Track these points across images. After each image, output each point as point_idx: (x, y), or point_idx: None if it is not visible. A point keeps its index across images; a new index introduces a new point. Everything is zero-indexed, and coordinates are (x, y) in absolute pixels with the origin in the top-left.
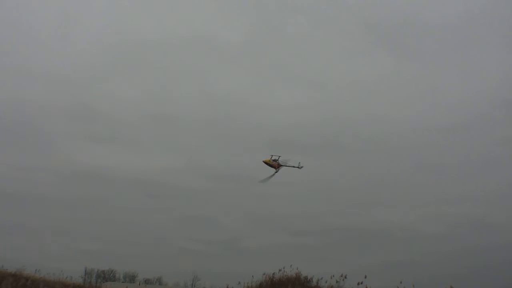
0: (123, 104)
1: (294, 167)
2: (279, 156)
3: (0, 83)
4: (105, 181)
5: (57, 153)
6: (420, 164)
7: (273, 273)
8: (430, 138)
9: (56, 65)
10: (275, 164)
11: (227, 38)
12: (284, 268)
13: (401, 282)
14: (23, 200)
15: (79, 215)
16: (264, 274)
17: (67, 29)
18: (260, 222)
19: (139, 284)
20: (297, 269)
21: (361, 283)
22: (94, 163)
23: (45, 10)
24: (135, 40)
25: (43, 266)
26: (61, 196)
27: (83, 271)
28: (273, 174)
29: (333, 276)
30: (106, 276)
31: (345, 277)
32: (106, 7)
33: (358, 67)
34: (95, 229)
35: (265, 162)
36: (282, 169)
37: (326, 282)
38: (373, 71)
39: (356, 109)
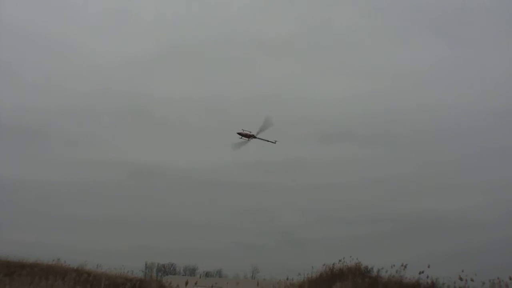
0: (178, 101)
1: (268, 141)
2: (250, 131)
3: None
4: (162, 177)
5: (117, 149)
6: (476, 150)
7: (333, 264)
8: (484, 123)
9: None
10: (249, 134)
11: (277, 32)
12: (344, 258)
13: (463, 271)
14: (86, 196)
15: (140, 211)
16: (324, 264)
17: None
18: (317, 214)
19: (200, 277)
20: (357, 259)
21: (423, 272)
22: (153, 159)
23: None
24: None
25: (105, 262)
26: (121, 192)
27: (143, 265)
28: (246, 142)
29: (394, 265)
30: (167, 270)
31: (406, 267)
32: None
33: (409, 56)
34: (155, 224)
35: (239, 134)
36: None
37: (386, 271)
38: (424, 59)
39: (407, 98)
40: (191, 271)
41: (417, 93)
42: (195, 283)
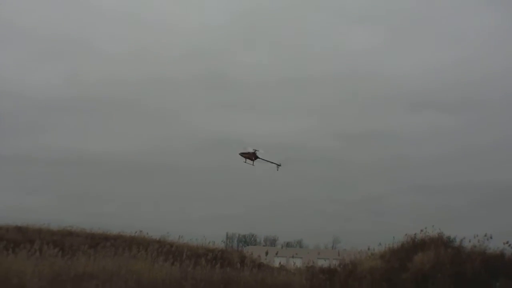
0: (253, 70)
1: (271, 163)
2: (255, 150)
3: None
4: (239, 146)
5: (191, 121)
6: None
7: (415, 234)
8: None
9: (189, 34)
10: (251, 154)
11: None
12: (426, 228)
13: None
14: (163, 170)
15: (219, 182)
16: (405, 234)
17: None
18: (399, 182)
19: (281, 247)
20: (439, 229)
21: (507, 243)
22: (227, 129)
23: None
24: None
25: (186, 233)
26: (199, 164)
27: (224, 236)
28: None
29: (477, 235)
30: (247, 240)
31: (490, 237)
32: None
33: (496, 17)
34: (235, 194)
35: (242, 154)
36: None
37: (469, 242)
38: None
39: (496, 62)
40: (272, 242)
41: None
42: (276, 253)
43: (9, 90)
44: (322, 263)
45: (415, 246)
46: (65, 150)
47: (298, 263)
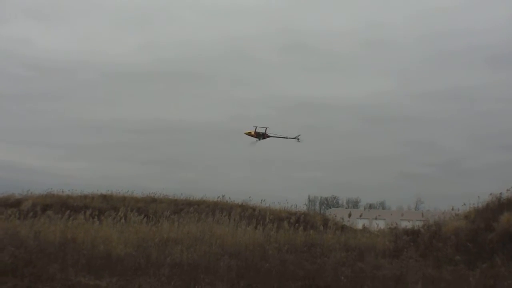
0: (335, 33)
1: (287, 138)
2: (266, 128)
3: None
4: (322, 110)
5: (271, 87)
6: None
7: (500, 193)
8: None
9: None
10: (257, 134)
11: None
12: None
13: None
14: (240, 135)
15: (299, 145)
16: (490, 194)
17: None
18: (482, 141)
19: (364, 209)
20: None
21: None
22: (310, 93)
23: None
24: None
25: (268, 196)
26: (279, 128)
27: (307, 199)
28: (257, 141)
29: None
30: (329, 203)
31: None
32: None
33: None
34: (316, 157)
35: (248, 134)
36: None
37: None
38: None
39: None
40: (354, 204)
41: None
42: (360, 216)
43: (91, 61)
44: (406, 224)
45: (501, 205)
46: (146, 119)
47: (381, 224)
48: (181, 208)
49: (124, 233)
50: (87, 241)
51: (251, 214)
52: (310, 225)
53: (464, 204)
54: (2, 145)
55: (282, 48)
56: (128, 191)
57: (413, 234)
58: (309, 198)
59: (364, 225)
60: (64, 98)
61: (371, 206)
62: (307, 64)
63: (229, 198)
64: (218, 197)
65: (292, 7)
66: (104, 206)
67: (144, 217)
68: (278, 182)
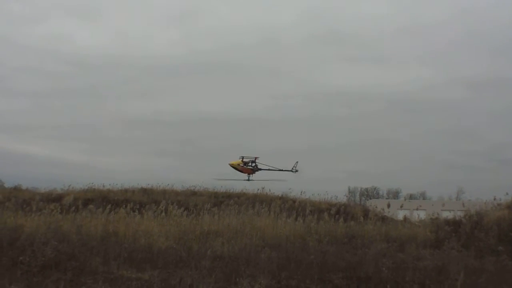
0: (370, 23)
1: (282, 170)
2: (255, 158)
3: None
4: (358, 99)
5: (310, 78)
6: None
7: None
8: None
9: None
10: (245, 170)
11: None
12: None
13: None
14: (281, 127)
15: (339, 137)
16: None
17: None
18: None
19: (404, 199)
20: None
21: None
22: (347, 84)
23: None
24: None
25: (308, 188)
26: (317, 119)
27: (346, 190)
28: (248, 179)
29: None
30: (370, 194)
31: None
32: None
33: None
34: (356, 149)
35: (232, 166)
36: None
37: None
38: None
39: None
40: (394, 194)
41: None
42: (401, 206)
43: (129, 55)
44: (447, 215)
45: None
46: (185, 111)
47: (422, 215)
48: (221, 200)
49: (165, 226)
50: (128, 234)
51: (291, 206)
52: (350, 217)
53: (507, 194)
54: (44, 140)
55: (316, 36)
56: (168, 184)
57: (454, 224)
58: (349, 189)
59: (404, 216)
60: (104, 93)
61: (411, 197)
62: (342, 53)
63: (269, 190)
64: (258, 189)
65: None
66: (145, 200)
67: (184, 210)
68: (318, 173)
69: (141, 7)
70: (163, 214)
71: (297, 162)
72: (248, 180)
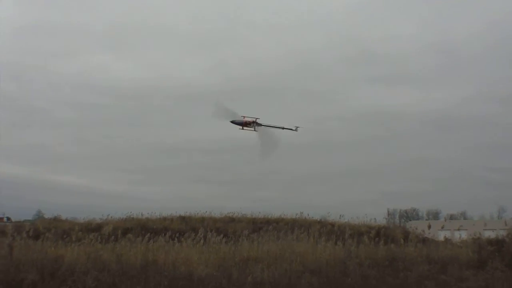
0: (398, 41)
1: (284, 128)
2: (256, 118)
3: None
4: (392, 120)
5: (343, 99)
6: None
7: None
8: None
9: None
10: (248, 122)
11: None
12: None
13: None
14: (316, 150)
15: (374, 158)
16: None
17: None
18: None
19: (444, 220)
20: None
21: None
22: (378, 103)
23: None
24: None
25: (347, 212)
26: (351, 140)
27: (386, 212)
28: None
29: None
30: (409, 215)
31: None
32: None
33: None
34: (393, 169)
35: (233, 122)
36: None
37: None
38: None
39: None
40: (434, 215)
41: None
42: (442, 227)
43: (163, 86)
44: (489, 234)
45: None
46: (219, 139)
47: (464, 235)
48: (259, 226)
49: (204, 253)
50: (168, 262)
51: (330, 230)
52: (390, 239)
53: None
54: (82, 171)
55: (347, 58)
56: (206, 211)
57: (497, 244)
58: (388, 211)
59: (445, 236)
60: (139, 123)
61: (452, 217)
62: (373, 73)
63: (308, 214)
64: (296, 214)
65: (355, 16)
66: (183, 228)
67: (223, 237)
68: (357, 197)
69: (171, 39)
70: (202, 241)
71: (297, 127)
72: (254, 130)
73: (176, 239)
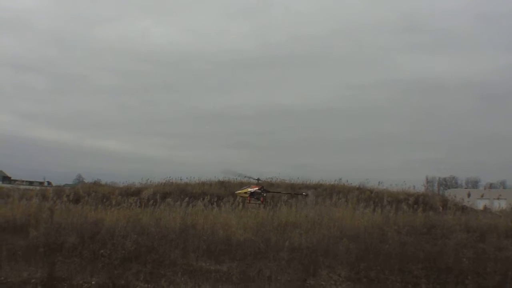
0: (446, 10)
1: (294, 194)
2: (261, 187)
3: None
4: (437, 88)
5: (385, 68)
6: None
7: None
8: None
9: None
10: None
11: None
12: None
13: None
14: (358, 118)
15: (416, 126)
16: None
17: None
18: None
19: (484, 189)
20: None
21: None
22: (422, 72)
23: None
24: None
25: (385, 178)
26: (394, 110)
27: (424, 180)
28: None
29: None
30: (448, 183)
31: None
32: None
33: None
34: (434, 137)
35: (239, 195)
36: None
37: None
38: None
39: None
40: (473, 184)
41: None
42: (481, 196)
43: (202, 51)
44: None
45: None
46: (259, 105)
47: (503, 204)
48: (298, 192)
49: (243, 218)
50: (206, 227)
51: (368, 197)
52: (429, 207)
53: None
54: (122, 136)
55: (394, 29)
56: (245, 177)
57: None
58: (427, 179)
59: (485, 205)
60: (179, 89)
61: (491, 186)
62: (420, 43)
63: (346, 181)
64: (335, 180)
65: None
66: (222, 192)
67: (262, 202)
68: (396, 164)
69: (211, 2)
70: (240, 206)
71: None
72: (262, 204)
73: (215, 203)
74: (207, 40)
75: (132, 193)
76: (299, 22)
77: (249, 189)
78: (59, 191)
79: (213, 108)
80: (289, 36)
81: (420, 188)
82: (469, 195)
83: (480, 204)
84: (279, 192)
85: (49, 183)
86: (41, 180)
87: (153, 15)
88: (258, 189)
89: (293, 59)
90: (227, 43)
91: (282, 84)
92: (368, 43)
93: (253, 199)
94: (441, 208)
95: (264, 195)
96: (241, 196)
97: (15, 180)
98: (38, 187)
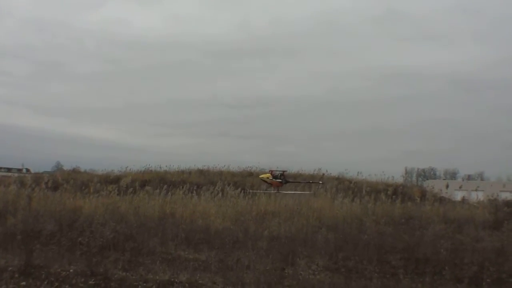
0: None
1: (311, 182)
2: (283, 171)
3: None
4: (416, 79)
5: (367, 58)
6: None
7: None
8: None
9: None
10: (274, 183)
11: None
12: None
13: None
14: (340, 109)
15: (395, 117)
16: None
17: None
18: None
19: (462, 180)
20: None
21: None
22: (403, 63)
23: None
24: None
25: (364, 169)
26: (374, 100)
27: (403, 171)
28: (277, 191)
29: None
30: (427, 175)
31: None
32: None
33: None
34: (412, 128)
35: (262, 179)
36: None
37: None
38: None
39: None
40: (452, 175)
41: None
42: (459, 187)
43: (187, 40)
44: (506, 196)
45: None
46: (243, 95)
47: (481, 196)
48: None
49: (222, 207)
50: (185, 215)
51: (347, 187)
52: (407, 197)
53: None
54: (101, 124)
55: (374, 18)
56: (224, 165)
57: None
58: (406, 170)
59: (463, 196)
60: (160, 77)
61: (469, 177)
62: (399, 33)
63: (326, 171)
64: (315, 170)
65: None
66: (202, 181)
67: (241, 191)
68: (374, 154)
69: None
70: (220, 195)
71: (323, 174)
72: (278, 192)
73: (194, 192)
74: (192, 28)
75: (111, 180)
76: (283, 16)
77: (273, 174)
78: (38, 178)
79: (196, 98)
80: (276, 29)
81: (399, 179)
82: (447, 186)
83: (458, 196)
84: (299, 182)
85: (27, 170)
86: (20, 167)
87: (136, 2)
88: (281, 175)
89: (277, 50)
90: (210, 30)
91: (266, 75)
92: (348, 34)
93: (275, 181)
94: (419, 199)
95: (283, 179)
96: (264, 181)
97: None
98: (16, 174)
